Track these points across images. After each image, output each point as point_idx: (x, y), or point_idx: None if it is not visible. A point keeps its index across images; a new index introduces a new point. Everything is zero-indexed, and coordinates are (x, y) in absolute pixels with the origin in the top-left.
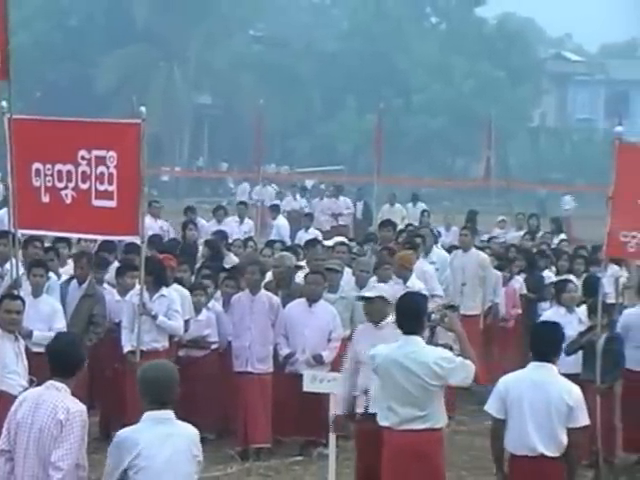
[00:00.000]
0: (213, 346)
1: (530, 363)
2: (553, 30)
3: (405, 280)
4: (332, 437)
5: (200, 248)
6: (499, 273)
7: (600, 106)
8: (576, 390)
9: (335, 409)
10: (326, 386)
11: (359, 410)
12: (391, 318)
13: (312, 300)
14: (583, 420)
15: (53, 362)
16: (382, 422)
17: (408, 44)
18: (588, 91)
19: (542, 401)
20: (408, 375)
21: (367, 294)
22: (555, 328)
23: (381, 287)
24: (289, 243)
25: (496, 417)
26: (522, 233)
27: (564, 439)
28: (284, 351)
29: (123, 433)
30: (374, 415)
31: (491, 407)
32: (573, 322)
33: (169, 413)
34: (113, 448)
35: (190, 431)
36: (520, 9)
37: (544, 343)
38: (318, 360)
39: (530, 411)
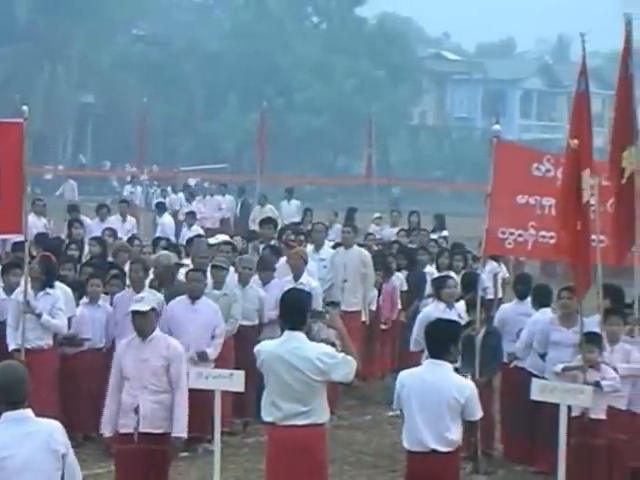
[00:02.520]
0: (87, 343)
1: (425, 360)
2: (432, 30)
3: (297, 277)
4: (217, 433)
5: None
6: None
7: (478, 105)
8: (467, 386)
9: (218, 406)
10: (211, 382)
11: None
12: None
13: (194, 297)
14: (479, 413)
15: None
16: (266, 418)
17: (290, 43)
18: (466, 90)
19: (434, 399)
20: (291, 371)
21: (140, 308)
22: (449, 326)
23: (150, 298)
24: (174, 241)
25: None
26: (397, 230)
27: (457, 435)
28: None
29: None
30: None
31: (394, 402)
32: (452, 317)
33: (26, 412)
34: None
35: (50, 427)
36: (399, 9)
37: (438, 341)
38: (203, 358)
39: (420, 408)
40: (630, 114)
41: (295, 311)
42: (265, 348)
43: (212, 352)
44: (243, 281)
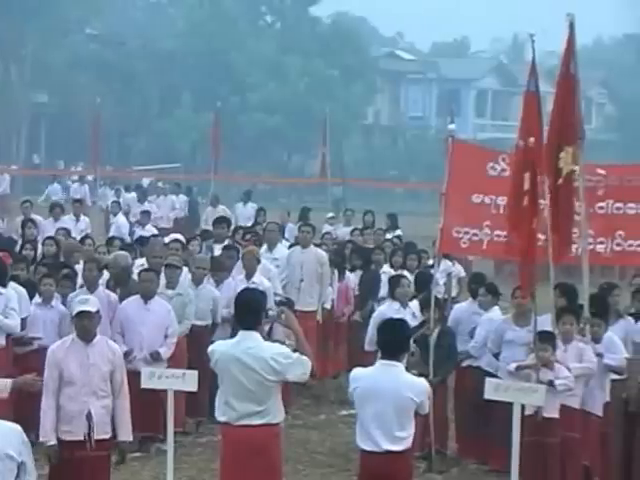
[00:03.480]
0: (39, 342)
1: (378, 360)
2: (386, 29)
3: (249, 277)
4: (170, 433)
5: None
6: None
7: (432, 104)
8: (422, 385)
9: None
10: (164, 382)
11: None
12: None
13: (147, 297)
14: (427, 408)
15: None
16: (220, 417)
17: (244, 43)
18: (420, 89)
19: (387, 399)
20: (246, 370)
21: (87, 308)
22: (401, 326)
23: (93, 300)
24: (128, 240)
25: None
26: (351, 229)
27: (410, 435)
28: (121, 349)
29: None
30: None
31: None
32: (406, 317)
33: None
34: None
35: (5, 431)
36: (353, 8)
37: (390, 341)
38: (155, 357)
39: (373, 408)
40: (571, 114)
41: (250, 311)
42: (219, 348)
43: (165, 352)
44: (197, 281)
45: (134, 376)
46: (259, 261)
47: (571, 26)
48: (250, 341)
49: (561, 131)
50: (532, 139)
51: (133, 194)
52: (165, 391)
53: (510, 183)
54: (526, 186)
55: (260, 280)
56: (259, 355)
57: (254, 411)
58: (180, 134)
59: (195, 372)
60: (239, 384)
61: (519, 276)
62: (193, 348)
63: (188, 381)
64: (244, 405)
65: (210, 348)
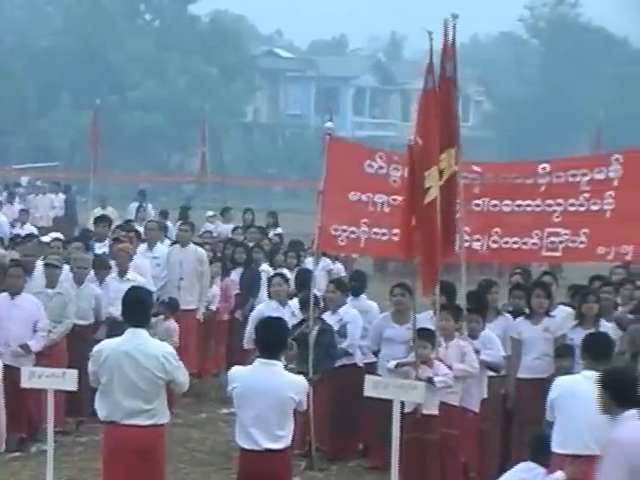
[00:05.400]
0: None
1: (256, 359)
2: (264, 27)
3: (122, 274)
4: (50, 432)
5: None
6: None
7: (311, 102)
8: (301, 382)
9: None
10: (44, 382)
11: None
12: None
13: (13, 293)
14: (305, 405)
15: None
16: (105, 416)
17: (123, 41)
18: (299, 87)
19: (266, 398)
20: (137, 367)
21: None
22: (279, 325)
23: None
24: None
25: None
26: (231, 227)
27: (289, 433)
28: None
29: None
30: None
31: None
32: (285, 315)
33: None
34: None
35: None
36: (232, 6)
37: (268, 340)
38: (25, 349)
39: (252, 407)
40: (449, 116)
41: (139, 309)
42: (108, 345)
43: (34, 344)
44: (78, 280)
45: (13, 375)
46: (131, 258)
47: (446, 28)
48: (139, 338)
49: (441, 133)
50: (419, 140)
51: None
52: (45, 391)
53: (392, 180)
54: (427, 184)
55: (134, 276)
56: (150, 352)
57: (142, 409)
58: (59, 132)
59: (75, 371)
60: (129, 381)
61: (421, 273)
62: (74, 347)
63: (68, 380)
64: (133, 402)
65: (97, 347)
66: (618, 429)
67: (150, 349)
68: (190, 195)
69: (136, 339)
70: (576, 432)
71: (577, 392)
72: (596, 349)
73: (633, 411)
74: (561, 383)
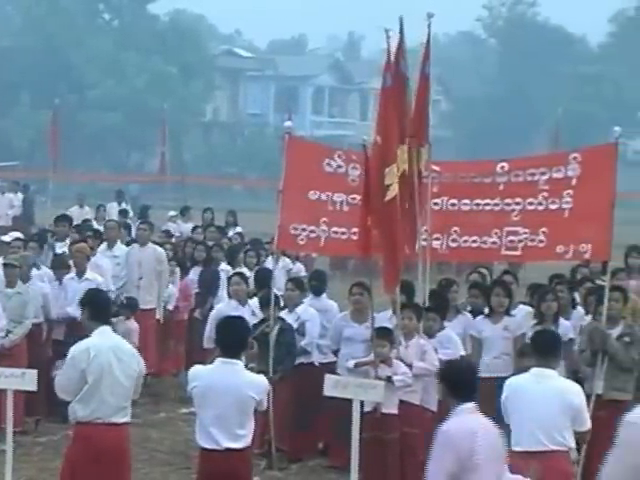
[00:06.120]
0: None
1: (217, 359)
2: (224, 27)
3: (80, 274)
4: (9, 432)
5: None
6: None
7: (270, 101)
8: (262, 382)
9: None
10: (4, 382)
11: None
12: None
13: None
14: (266, 405)
15: None
16: (89, 415)
17: (82, 40)
18: (259, 86)
19: (226, 397)
20: (121, 364)
21: None
22: (240, 324)
23: None
24: None
25: None
26: (191, 226)
27: (249, 432)
28: None
29: None
30: None
31: None
32: (245, 314)
33: None
34: None
35: None
36: (191, 6)
37: (229, 339)
38: None
39: (213, 407)
40: (402, 113)
41: (103, 307)
42: (92, 344)
43: None
44: (23, 278)
45: None
46: (89, 258)
47: (402, 27)
48: (112, 336)
49: (396, 129)
50: (379, 138)
51: None
52: (4, 391)
53: (351, 179)
54: (387, 181)
55: (93, 276)
56: (127, 349)
57: (123, 406)
58: (18, 132)
59: (35, 371)
60: (115, 378)
61: (383, 271)
62: (31, 347)
63: (28, 380)
64: (117, 400)
65: (80, 346)
66: (450, 421)
67: (126, 346)
68: (135, 195)
69: (110, 337)
70: (528, 429)
71: (526, 390)
72: (544, 346)
73: (469, 405)
74: (510, 383)
